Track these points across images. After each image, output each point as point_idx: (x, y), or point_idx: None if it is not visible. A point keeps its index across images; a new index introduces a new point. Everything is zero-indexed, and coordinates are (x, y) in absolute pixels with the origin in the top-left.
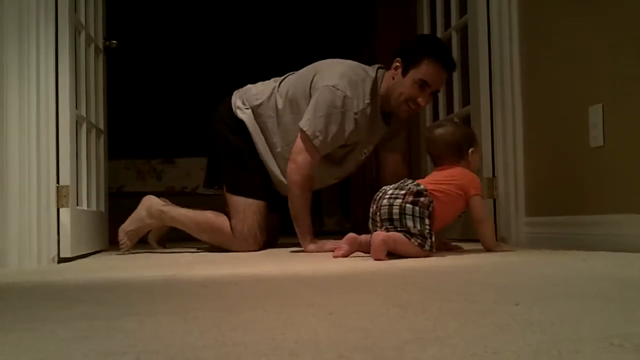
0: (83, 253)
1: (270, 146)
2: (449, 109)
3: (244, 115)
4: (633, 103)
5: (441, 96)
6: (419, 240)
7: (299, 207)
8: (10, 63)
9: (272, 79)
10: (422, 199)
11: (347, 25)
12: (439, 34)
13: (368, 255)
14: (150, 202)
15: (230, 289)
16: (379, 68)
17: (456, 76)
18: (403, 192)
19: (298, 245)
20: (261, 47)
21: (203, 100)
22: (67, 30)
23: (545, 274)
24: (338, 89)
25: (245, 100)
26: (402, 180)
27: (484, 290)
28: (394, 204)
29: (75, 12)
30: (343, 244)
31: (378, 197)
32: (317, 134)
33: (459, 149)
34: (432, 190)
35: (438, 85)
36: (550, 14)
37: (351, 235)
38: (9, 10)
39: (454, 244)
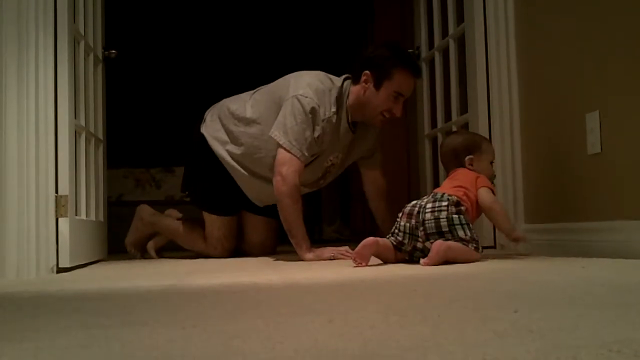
0: (82, 263)
1: (239, 161)
2: (447, 116)
3: (206, 131)
4: (630, 110)
5: (439, 104)
6: (475, 245)
7: (291, 218)
8: (10, 73)
9: (245, 93)
10: (462, 207)
11: (345, 34)
12: (436, 43)
13: (383, 262)
14: (142, 213)
15: (229, 297)
16: (345, 78)
17: (454, 84)
18: (445, 204)
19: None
20: (258, 52)
21: (202, 109)
22: (66, 40)
23: (544, 281)
24: (306, 97)
25: (215, 115)
26: (432, 193)
27: (483, 297)
28: (440, 217)
29: (74, 22)
30: (361, 249)
31: (415, 212)
32: (294, 142)
33: (457, 156)
34: (460, 198)
35: (409, 93)
36: (547, 22)
37: (372, 239)
38: (7, 21)
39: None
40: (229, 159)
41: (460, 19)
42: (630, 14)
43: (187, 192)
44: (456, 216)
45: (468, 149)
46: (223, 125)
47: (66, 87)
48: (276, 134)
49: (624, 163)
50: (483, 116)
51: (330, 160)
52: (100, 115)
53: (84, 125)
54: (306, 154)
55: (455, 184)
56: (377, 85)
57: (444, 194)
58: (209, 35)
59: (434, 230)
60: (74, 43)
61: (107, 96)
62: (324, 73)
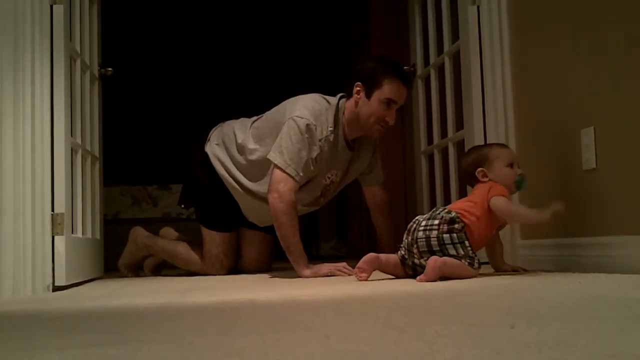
0: (78, 281)
1: (239, 182)
2: (443, 133)
3: (211, 150)
4: (625, 125)
5: (435, 120)
6: (468, 261)
7: (288, 234)
8: (6, 91)
9: (249, 120)
10: (456, 225)
11: (340, 50)
12: (432, 60)
13: (389, 276)
14: (136, 235)
15: (225, 314)
16: (341, 97)
17: (450, 101)
18: (437, 222)
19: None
20: (254, 70)
21: (199, 126)
22: (62, 58)
23: (541, 296)
24: (302, 117)
25: (220, 138)
26: (433, 209)
27: (480, 313)
28: (431, 235)
29: (71, 40)
30: (362, 264)
31: (412, 229)
32: (289, 162)
33: (470, 176)
34: (462, 215)
35: (402, 101)
36: (542, 39)
37: (371, 255)
38: (4, 39)
39: (517, 265)
40: (230, 180)
41: (455, 36)
42: (626, 30)
43: (183, 205)
44: (447, 235)
45: (476, 164)
46: (226, 149)
47: (62, 105)
48: (272, 155)
49: (619, 179)
50: (479, 132)
51: (329, 178)
52: (96, 132)
53: (80, 143)
54: (301, 174)
55: (466, 200)
56: (368, 95)
57: (441, 211)
58: (205, 53)
59: (425, 249)
60: (70, 61)
61: (103, 114)
62: (319, 94)
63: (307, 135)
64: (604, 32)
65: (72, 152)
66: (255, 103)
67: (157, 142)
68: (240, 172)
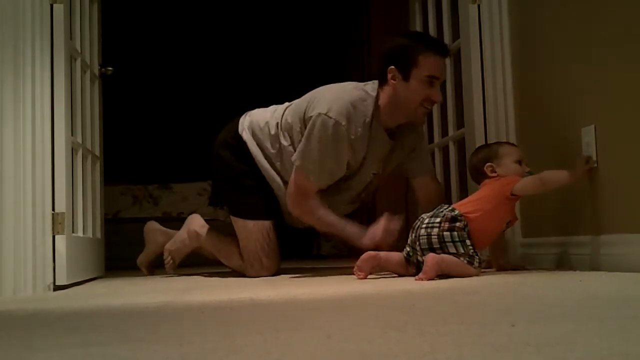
0: (79, 280)
1: (276, 171)
2: (444, 131)
3: (248, 137)
4: (625, 124)
5: (436, 118)
6: (468, 259)
7: (322, 225)
8: (6, 90)
9: (275, 110)
10: (457, 224)
11: (341, 46)
12: None
13: (391, 274)
14: (192, 222)
15: (227, 314)
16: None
17: (450, 98)
18: (438, 220)
19: (298, 270)
20: (254, 63)
21: (199, 125)
22: (62, 57)
23: (542, 295)
24: (330, 117)
25: (251, 129)
26: (438, 207)
27: (481, 311)
28: (432, 233)
29: (71, 39)
30: (360, 263)
31: (416, 226)
32: (311, 167)
33: (478, 172)
34: (465, 212)
35: (443, 75)
36: (543, 37)
37: (370, 253)
38: (4, 38)
39: (519, 264)
40: (267, 166)
41: (455, 35)
42: (627, 28)
43: (216, 205)
44: (447, 233)
45: (485, 160)
46: (261, 140)
47: (63, 105)
48: (295, 156)
49: (619, 177)
50: (479, 131)
51: (372, 175)
52: (97, 132)
53: (80, 142)
54: (324, 181)
55: (473, 198)
56: (406, 76)
57: (444, 209)
58: (205, 53)
59: (427, 246)
60: (71, 60)
61: (104, 113)
62: (353, 83)
63: (335, 138)
64: (606, 30)
65: (73, 151)
66: (255, 103)
67: (158, 141)
68: (279, 162)
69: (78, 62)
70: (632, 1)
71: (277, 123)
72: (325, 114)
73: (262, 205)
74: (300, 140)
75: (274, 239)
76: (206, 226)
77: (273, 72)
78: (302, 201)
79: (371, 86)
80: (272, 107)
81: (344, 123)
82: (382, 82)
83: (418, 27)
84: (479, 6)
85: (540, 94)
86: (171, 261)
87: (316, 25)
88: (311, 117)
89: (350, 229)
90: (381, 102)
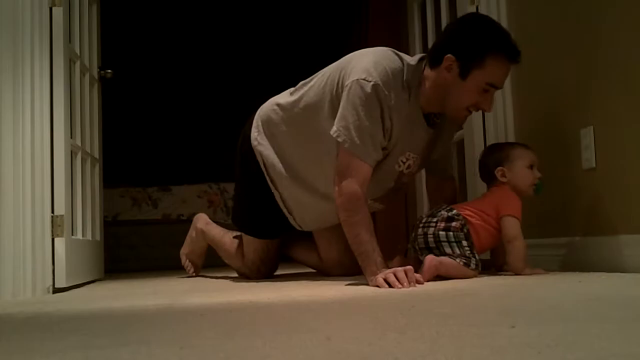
0: (78, 283)
1: (290, 172)
2: None
3: (256, 142)
4: (624, 125)
5: None
6: (464, 260)
7: (349, 235)
8: (5, 93)
9: (288, 91)
10: (453, 223)
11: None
12: None
13: None
14: (197, 221)
15: (226, 316)
16: (421, 58)
17: None
18: (435, 219)
19: (298, 273)
20: (252, 64)
21: (198, 128)
22: (61, 60)
23: (542, 296)
24: (369, 81)
25: (261, 121)
26: (436, 207)
27: (481, 313)
28: (428, 232)
29: (70, 42)
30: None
31: (415, 225)
32: (356, 139)
33: (488, 172)
34: (466, 215)
35: (503, 83)
36: (541, 38)
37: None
38: (3, 41)
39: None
40: (276, 161)
41: None
42: (625, 30)
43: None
44: (443, 232)
45: (497, 162)
46: (267, 129)
47: (62, 107)
48: (335, 129)
49: (618, 178)
50: (478, 132)
51: (403, 163)
52: (96, 134)
53: (80, 144)
54: (370, 157)
55: (475, 205)
56: (464, 74)
57: (442, 208)
58: (204, 54)
59: (423, 246)
60: (70, 63)
61: (103, 115)
62: (393, 50)
63: (377, 102)
64: (604, 31)
65: (72, 154)
66: (255, 103)
67: (157, 143)
68: (289, 154)
69: (77, 65)
70: (632, 1)
71: (294, 103)
72: (364, 79)
73: (265, 224)
74: (322, 111)
75: (273, 249)
76: (211, 223)
77: (272, 74)
78: (346, 191)
79: (412, 58)
80: (281, 95)
81: (382, 85)
82: (433, 64)
83: (417, 28)
84: (477, 7)
85: (539, 95)
86: (190, 265)
87: (315, 26)
88: (347, 85)
89: (369, 259)
90: (426, 82)
